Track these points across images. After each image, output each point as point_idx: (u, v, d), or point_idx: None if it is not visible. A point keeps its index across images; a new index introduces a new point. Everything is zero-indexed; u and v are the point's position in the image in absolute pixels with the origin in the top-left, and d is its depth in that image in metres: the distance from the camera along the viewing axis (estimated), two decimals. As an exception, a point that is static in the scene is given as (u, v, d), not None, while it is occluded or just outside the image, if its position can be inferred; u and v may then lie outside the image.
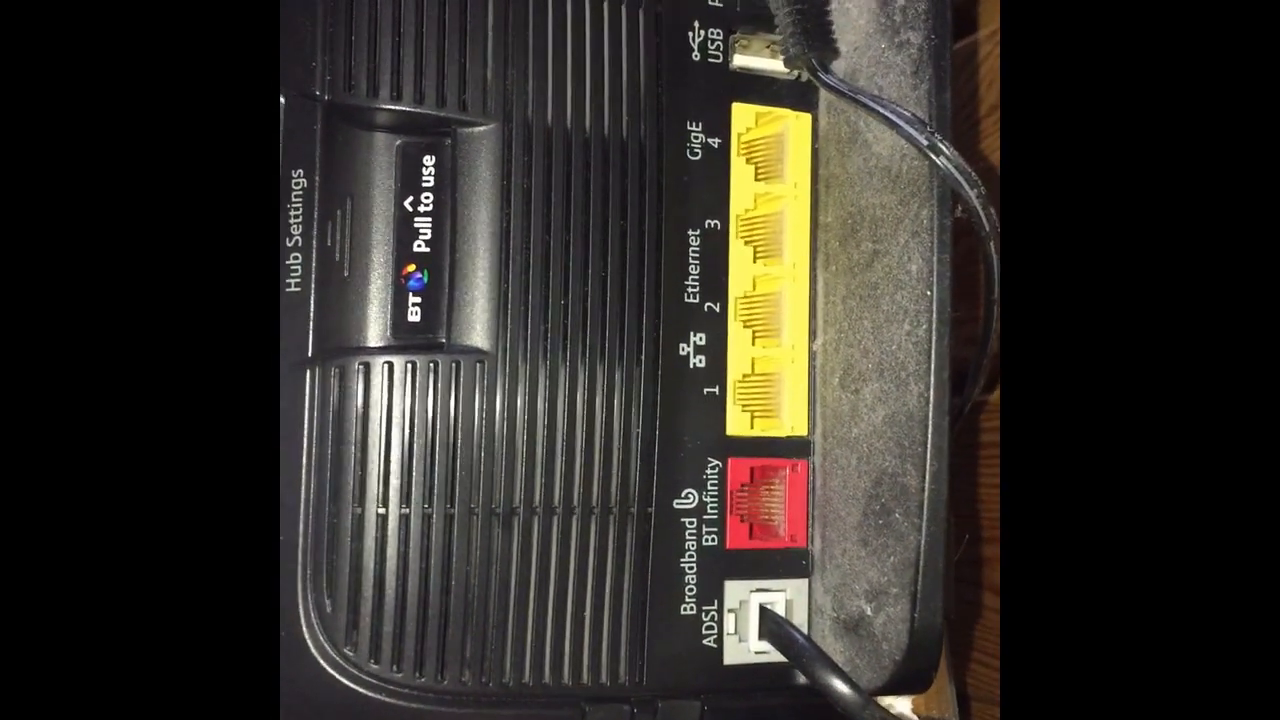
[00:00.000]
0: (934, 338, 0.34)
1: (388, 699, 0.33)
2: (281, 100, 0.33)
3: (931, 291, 0.34)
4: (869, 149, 0.36)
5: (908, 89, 0.35)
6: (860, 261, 0.36)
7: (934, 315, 0.34)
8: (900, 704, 0.45)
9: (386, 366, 0.33)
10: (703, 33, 0.37)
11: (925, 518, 0.34)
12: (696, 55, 0.37)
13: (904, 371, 0.35)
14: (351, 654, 0.33)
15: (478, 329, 0.34)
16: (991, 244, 0.35)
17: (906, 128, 0.34)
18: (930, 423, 0.33)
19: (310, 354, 0.33)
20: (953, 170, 0.33)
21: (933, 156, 0.33)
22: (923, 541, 0.34)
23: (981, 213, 0.34)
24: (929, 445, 0.34)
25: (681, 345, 0.36)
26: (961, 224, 0.35)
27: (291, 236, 0.33)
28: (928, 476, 0.34)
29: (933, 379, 0.34)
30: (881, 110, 0.34)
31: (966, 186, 0.33)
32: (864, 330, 0.36)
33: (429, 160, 0.34)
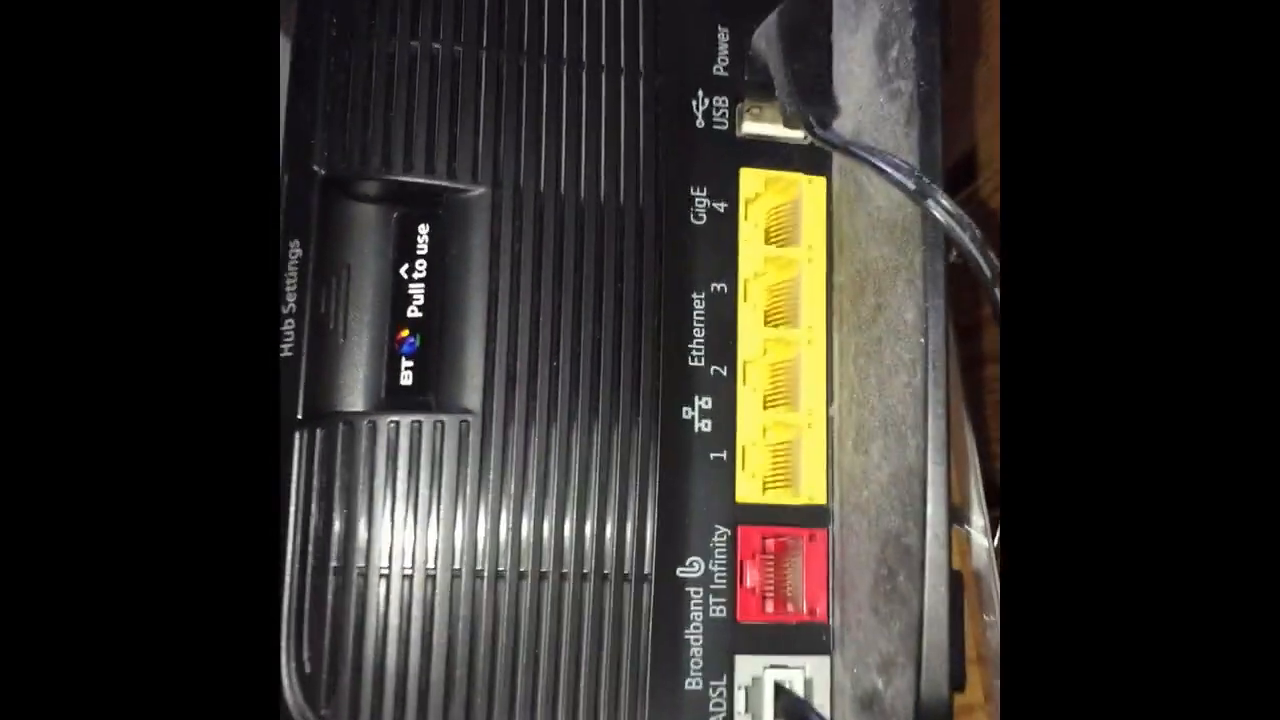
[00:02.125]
0: (929, 385, 0.32)
1: (365, 767, 0.32)
2: (284, 178, 0.35)
3: (925, 339, 0.32)
4: (871, 202, 0.35)
5: (902, 138, 0.34)
6: (867, 317, 0.35)
7: (928, 362, 0.32)
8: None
9: (369, 426, 0.33)
10: (707, 101, 0.38)
11: (926, 578, 0.31)
12: (700, 123, 0.37)
13: (904, 425, 0.33)
14: (329, 716, 0.32)
15: (466, 391, 0.34)
16: (995, 289, 0.33)
17: (894, 173, 0.33)
18: (928, 475, 0.31)
19: (301, 416, 0.34)
20: (944, 214, 0.32)
21: (921, 201, 0.32)
22: (924, 604, 0.31)
23: (979, 255, 0.32)
24: (927, 499, 0.31)
25: (685, 409, 0.36)
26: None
27: (286, 304, 0.34)
28: (928, 534, 0.31)
29: (929, 429, 0.32)
30: (869, 158, 0.34)
31: (959, 229, 0.32)
32: (870, 387, 0.35)
33: (424, 229, 0.35)
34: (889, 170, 0.33)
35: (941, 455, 0.31)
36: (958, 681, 0.31)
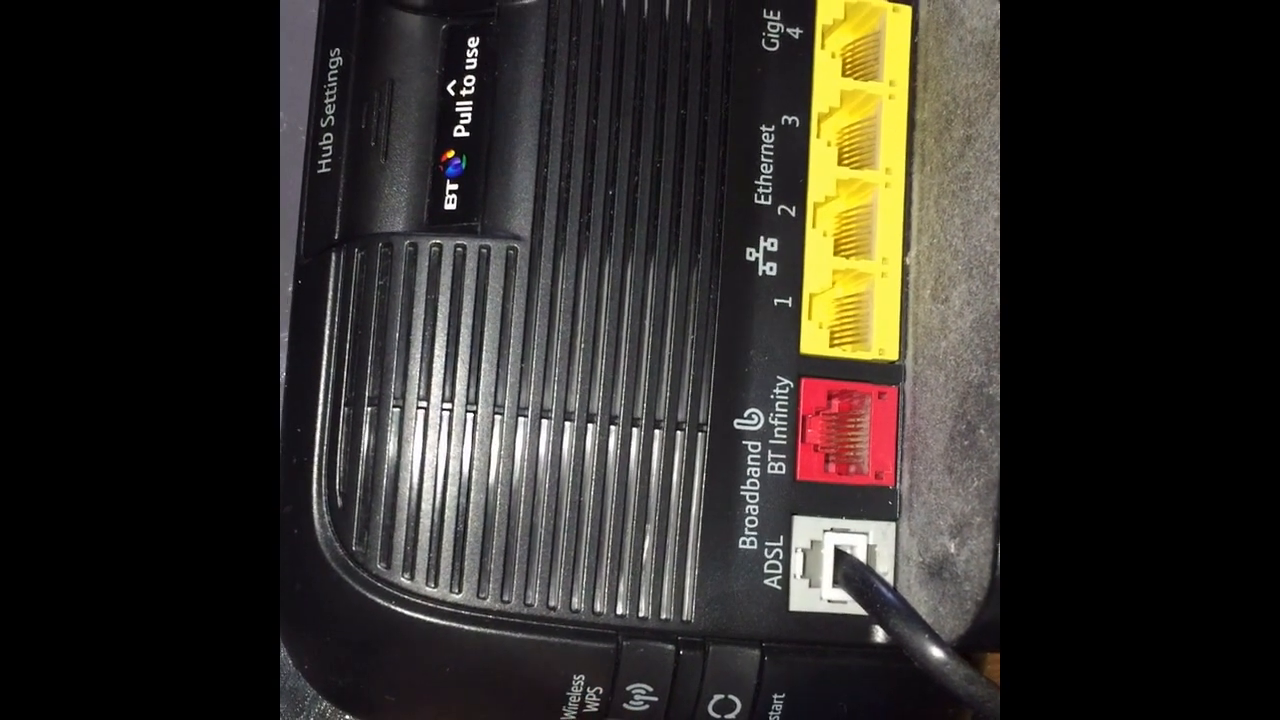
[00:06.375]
0: (1023, 219, 0.29)
1: (395, 607, 0.30)
2: (322, -20, 0.32)
3: (1022, 168, 0.29)
4: (963, 26, 0.32)
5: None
6: (953, 153, 0.32)
7: (1023, 194, 0.29)
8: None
9: (410, 248, 0.31)
10: (784, -85, 0.34)
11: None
12: (777, -60, 0.34)
13: (991, 265, 0.30)
14: (361, 553, 0.30)
15: (515, 216, 0.31)
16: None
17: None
18: (1017, 317, 0.28)
19: (337, 237, 0.31)
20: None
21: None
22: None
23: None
24: (1015, 344, 0.29)
25: (749, 249, 0.33)
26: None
27: (325, 117, 0.32)
28: (1014, 381, 0.28)
29: (1021, 267, 0.29)
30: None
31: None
32: (954, 229, 0.32)
33: (473, 42, 0.32)
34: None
35: (1034, 295, 0.28)
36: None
